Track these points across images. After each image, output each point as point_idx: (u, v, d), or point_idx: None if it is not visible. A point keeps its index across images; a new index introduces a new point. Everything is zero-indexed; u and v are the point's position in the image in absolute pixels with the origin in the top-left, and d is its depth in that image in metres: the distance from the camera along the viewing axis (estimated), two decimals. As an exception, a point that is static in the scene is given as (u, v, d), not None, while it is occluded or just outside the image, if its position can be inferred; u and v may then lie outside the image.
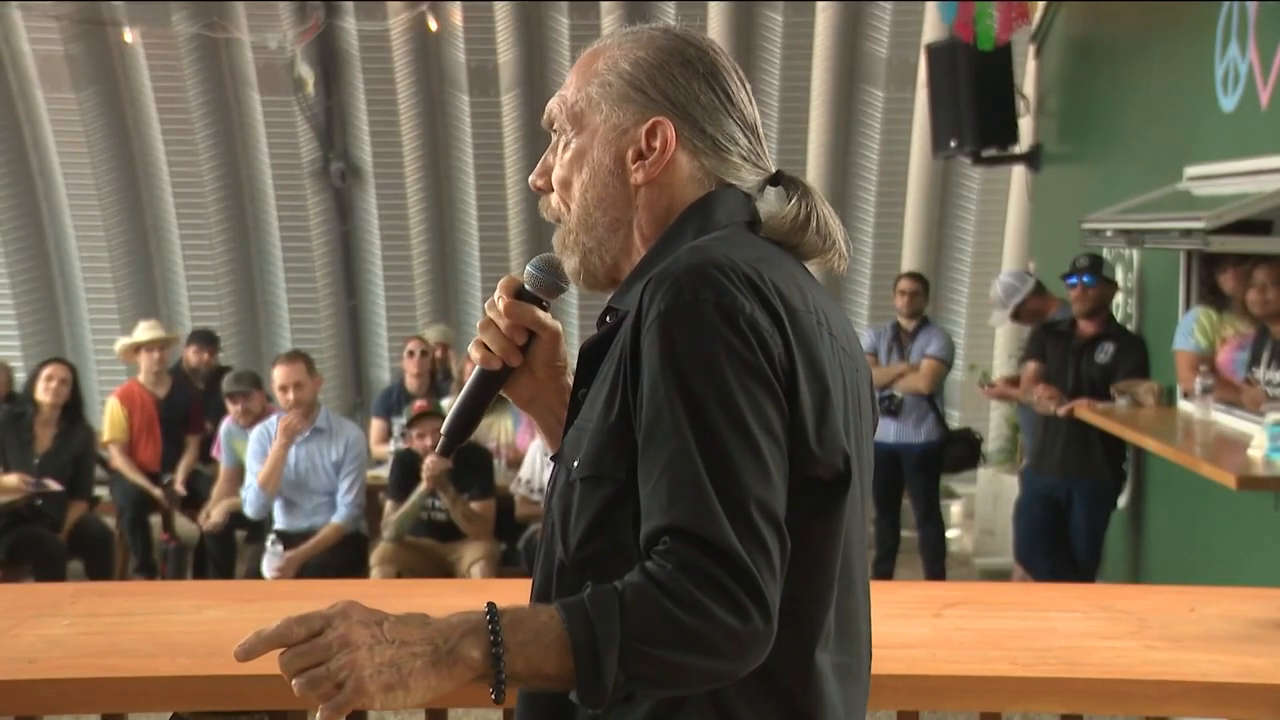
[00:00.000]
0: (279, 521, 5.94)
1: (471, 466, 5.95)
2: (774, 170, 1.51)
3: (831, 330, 1.40)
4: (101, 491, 7.20)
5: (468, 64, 9.72)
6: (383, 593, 3.55)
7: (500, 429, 7.03)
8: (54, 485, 6.37)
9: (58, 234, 10.36)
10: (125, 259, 10.40)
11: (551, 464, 1.63)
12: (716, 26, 9.71)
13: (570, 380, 1.56)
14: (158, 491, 7.18)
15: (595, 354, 1.44)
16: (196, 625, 2.86)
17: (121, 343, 7.90)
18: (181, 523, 7.36)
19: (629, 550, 1.30)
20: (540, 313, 1.55)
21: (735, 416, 1.26)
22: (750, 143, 1.48)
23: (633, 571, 1.25)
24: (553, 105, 1.51)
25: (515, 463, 6.55)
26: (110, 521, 7.08)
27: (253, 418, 6.56)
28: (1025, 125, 8.38)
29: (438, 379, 7.73)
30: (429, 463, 5.72)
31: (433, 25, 9.45)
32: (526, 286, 1.54)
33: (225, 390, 6.78)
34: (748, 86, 1.50)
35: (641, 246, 1.47)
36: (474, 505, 5.87)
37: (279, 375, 5.92)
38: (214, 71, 9.87)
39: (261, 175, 10.22)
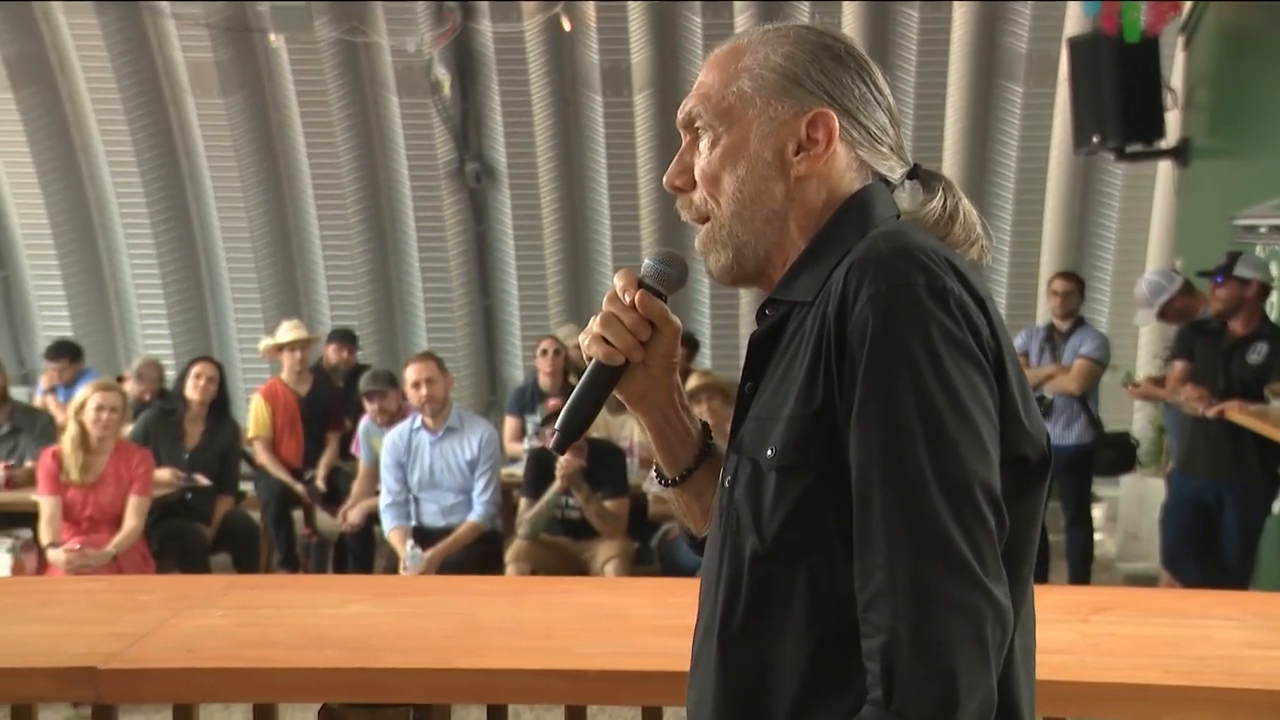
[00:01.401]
0: (416, 520, 6.04)
1: (605, 465, 5.97)
2: (912, 163, 1.50)
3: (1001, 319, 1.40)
4: (246, 487, 7.40)
5: (601, 64, 9.77)
6: (521, 589, 3.58)
7: (633, 429, 7.04)
8: (203, 480, 6.56)
9: (205, 236, 10.69)
10: (269, 260, 10.68)
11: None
12: (851, 23, 9.60)
13: (675, 376, 1.56)
14: (300, 487, 7.34)
15: (764, 346, 1.43)
16: (343, 619, 2.91)
17: (265, 343, 8.12)
18: (322, 518, 7.52)
19: (828, 538, 1.30)
20: (665, 308, 1.53)
21: (953, 396, 1.25)
22: (896, 135, 1.48)
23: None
24: (692, 103, 1.49)
25: (648, 462, 6.55)
26: (255, 516, 7.27)
27: (389, 416, 6.68)
28: (1172, 119, 8.13)
29: (570, 377, 7.78)
30: (563, 461, 5.76)
31: (566, 25, 9.51)
32: (647, 281, 1.51)
33: (362, 389, 6.91)
34: (886, 82, 1.50)
35: (797, 239, 1.45)
36: (608, 504, 5.89)
37: (411, 373, 6.06)
38: (354, 75, 10.08)
39: (399, 177, 10.41)
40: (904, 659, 1.22)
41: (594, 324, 1.50)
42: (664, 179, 1.53)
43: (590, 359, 1.52)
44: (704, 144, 1.47)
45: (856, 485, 1.28)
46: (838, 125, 1.43)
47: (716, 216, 1.47)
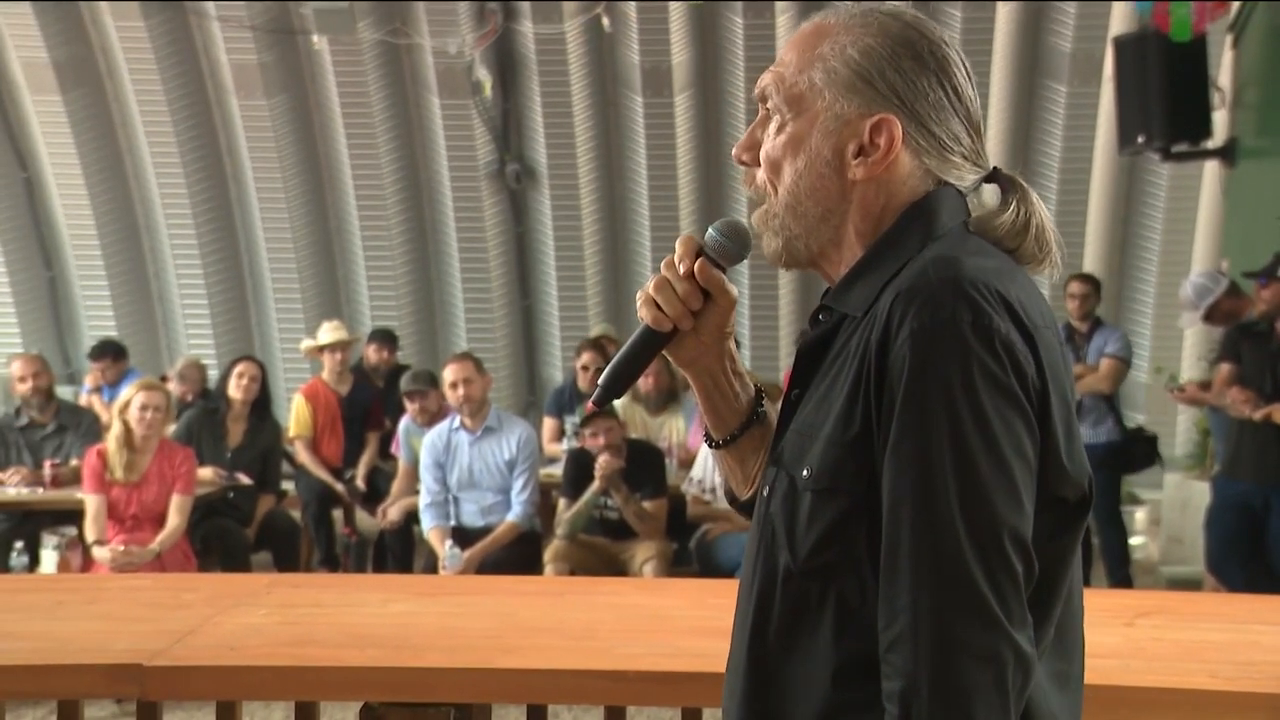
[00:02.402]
0: (455, 519, 6.06)
1: (644, 466, 5.97)
2: (991, 167, 1.46)
3: (1061, 340, 1.36)
4: (287, 486, 7.44)
5: (641, 65, 9.78)
6: (562, 590, 3.58)
7: (672, 429, 7.04)
8: (245, 479, 6.61)
9: (248, 236, 10.77)
10: (310, 260, 10.76)
11: (710, 448, 1.64)
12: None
13: (730, 345, 1.55)
14: (340, 487, 7.38)
15: (813, 355, 1.42)
16: (384, 618, 2.92)
17: (306, 344, 8.17)
18: (361, 517, 7.55)
19: (860, 562, 1.29)
20: (724, 278, 1.51)
21: (990, 440, 1.23)
22: (972, 141, 1.43)
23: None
24: (768, 80, 1.45)
25: (687, 463, 6.55)
26: (296, 515, 7.31)
27: (429, 416, 6.70)
28: (1219, 119, 8.04)
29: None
30: (602, 462, 5.76)
31: (607, 27, 9.52)
32: (707, 251, 1.49)
33: (403, 389, 6.94)
34: (974, 79, 1.45)
35: (855, 240, 1.42)
36: (646, 504, 5.89)
37: (449, 373, 6.08)
38: (396, 76, 10.14)
39: (440, 178, 10.46)
40: (923, 705, 1.22)
41: (649, 286, 1.49)
42: (733, 152, 1.51)
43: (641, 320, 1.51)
44: (772, 126, 1.45)
45: (886, 523, 1.26)
46: (900, 133, 1.38)
47: (772, 203, 1.45)
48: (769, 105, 1.45)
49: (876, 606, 1.27)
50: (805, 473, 1.33)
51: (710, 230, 1.49)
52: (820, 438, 1.33)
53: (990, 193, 1.44)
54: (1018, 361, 1.26)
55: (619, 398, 1.57)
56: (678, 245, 1.49)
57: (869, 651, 1.28)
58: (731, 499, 1.66)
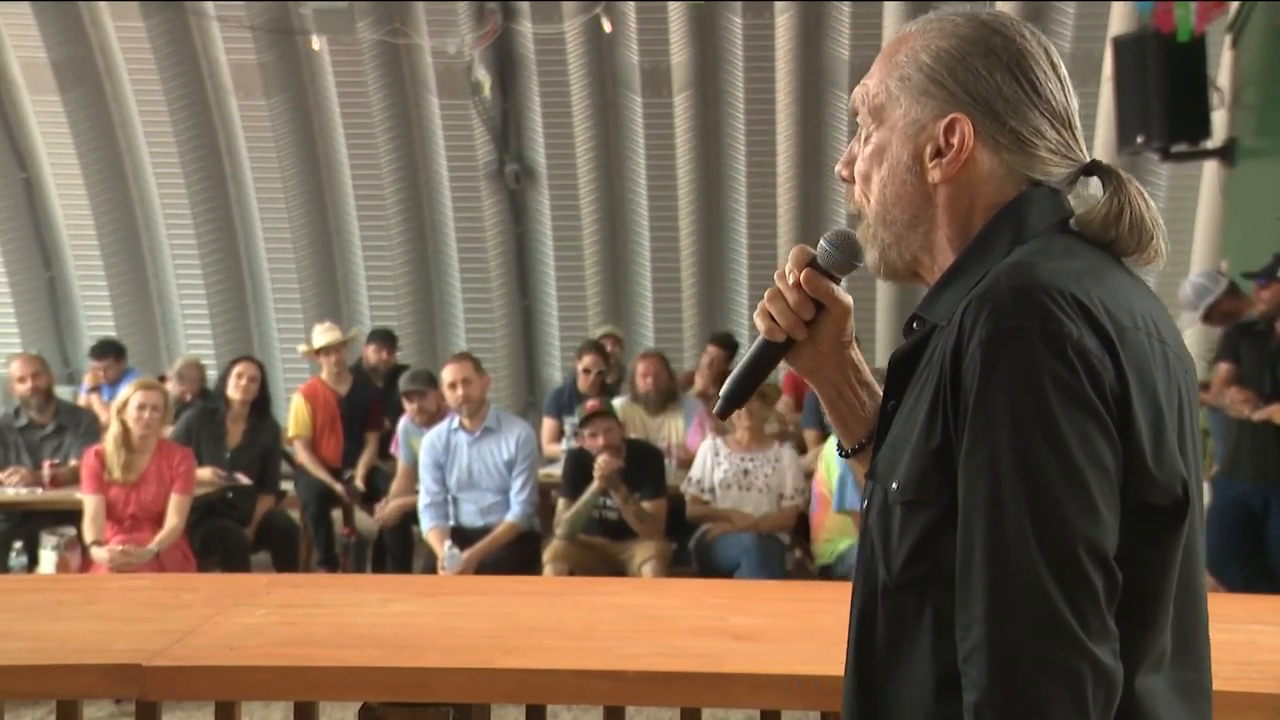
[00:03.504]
0: (454, 520, 6.06)
1: (643, 466, 5.97)
2: (1088, 160, 1.43)
3: (1162, 337, 1.33)
4: (287, 486, 7.44)
5: (641, 65, 9.78)
6: (561, 590, 3.58)
7: (671, 429, 7.04)
8: (244, 479, 6.60)
9: (247, 236, 10.77)
10: (309, 260, 10.76)
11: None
12: (892, 23, 9.56)
13: (856, 354, 1.56)
14: (339, 487, 7.38)
15: (905, 365, 1.41)
16: (384, 618, 2.92)
17: (302, 348, 8.17)
18: (361, 517, 7.55)
19: (951, 574, 1.27)
20: (835, 288, 1.52)
21: (1060, 449, 1.21)
22: (1060, 134, 1.40)
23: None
24: (856, 95, 1.47)
25: (686, 463, 6.55)
26: (295, 515, 7.31)
27: (428, 416, 6.70)
28: (1219, 119, 8.05)
29: (608, 380, 7.78)
30: (601, 462, 5.77)
31: (607, 27, 9.52)
32: (819, 262, 1.51)
33: (401, 389, 6.94)
34: (1061, 72, 1.42)
35: (946, 245, 1.42)
36: (646, 504, 5.89)
37: (448, 373, 6.08)
38: (395, 77, 10.14)
39: (439, 178, 10.46)
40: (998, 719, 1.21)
41: (765, 297, 1.52)
42: (836, 168, 1.52)
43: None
44: (860, 140, 1.47)
45: (960, 535, 1.25)
46: (972, 131, 1.38)
47: (866, 214, 1.46)
48: (859, 120, 1.47)
49: None
50: (894, 485, 1.33)
51: (821, 241, 1.52)
52: (907, 450, 1.33)
53: (1094, 186, 1.42)
54: (1092, 367, 1.23)
55: (740, 408, 1.58)
56: (790, 257, 1.52)
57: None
58: None
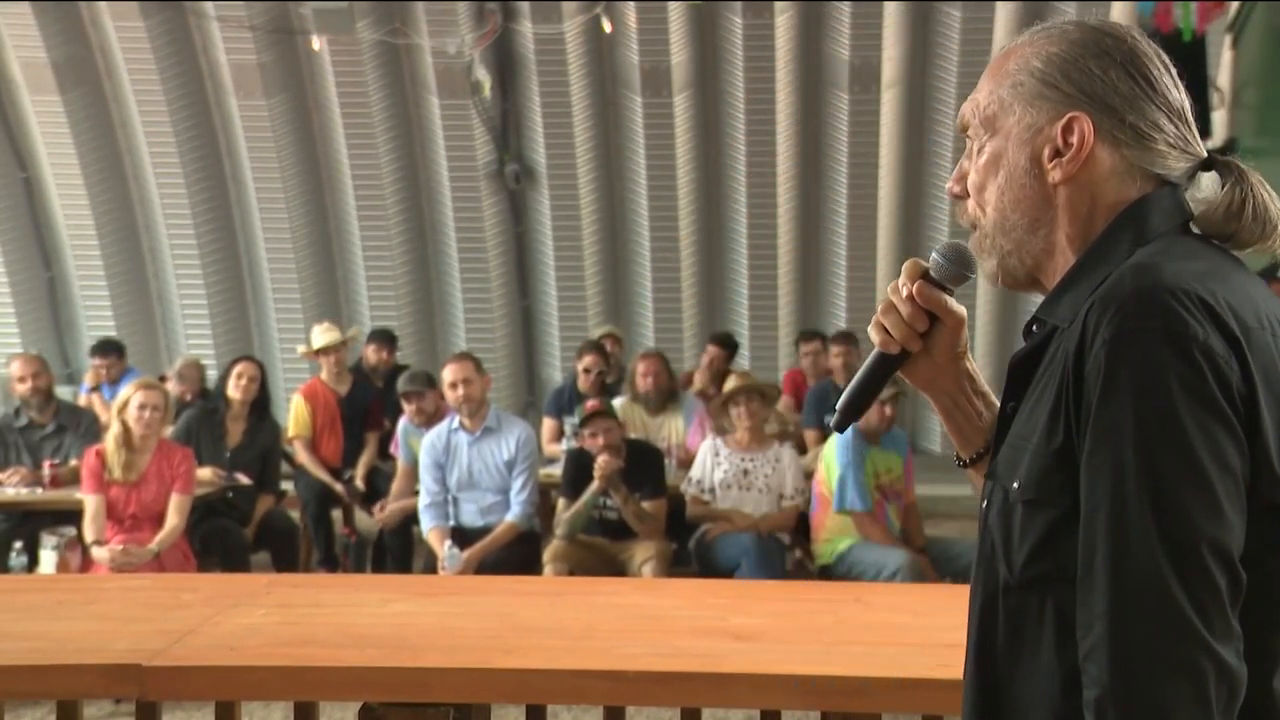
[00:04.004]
0: (454, 520, 6.06)
1: (643, 466, 5.97)
2: (1204, 154, 1.43)
3: None
4: (287, 486, 7.44)
5: (641, 65, 9.78)
6: (560, 590, 3.58)
7: (671, 429, 7.04)
8: (244, 479, 6.60)
9: (247, 236, 10.77)
10: (309, 260, 10.76)
11: (958, 466, 1.65)
12: (892, 23, 9.56)
13: (970, 364, 1.57)
14: (339, 487, 7.37)
15: (1025, 367, 1.41)
16: (383, 618, 2.93)
17: (301, 349, 8.17)
18: (361, 517, 7.55)
19: (1074, 572, 1.28)
20: (948, 299, 1.52)
21: (1185, 450, 1.22)
22: (1177, 129, 1.41)
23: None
24: (965, 110, 1.48)
25: (686, 463, 6.55)
26: (295, 515, 7.30)
27: (427, 417, 6.70)
28: (1218, 119, 8.05)
29: (608, 380, 7.78)
30: (601, 462, 5.76)
31: (607, 27, 9.53)
32: (931, 274, 1.52)
33: (400, 390, 6.93)
34: (1173, 71, 1.43)
35: (1067, 246, 1.42)
36: (646, 505, 5.89)
37: (448, 373, 6.08)
38: (395, 77, 10.14)
39: (439, 178, 10.46)
40: (1120, 718, 1.21)
41: (879, 310, 1.53)
42: (947, 185, 1.53)
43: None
44: (973, 153, 1.47)
45: (1082, 533, 1.26)
46: (1091, 128, 1.38)
47: (982, 225, 1.46)
48: (969, 134, 1.48)
49: None
50: (1016, 484, 1.34)
51: (934, 254, 1.53)
52: (1029, 449, 1.33)
53: (1209, 180, 1.41)
54: (1218, 368, 1.23)
55: (857, 421, 1.60)
56: (903, 270, 1.52)
57: None
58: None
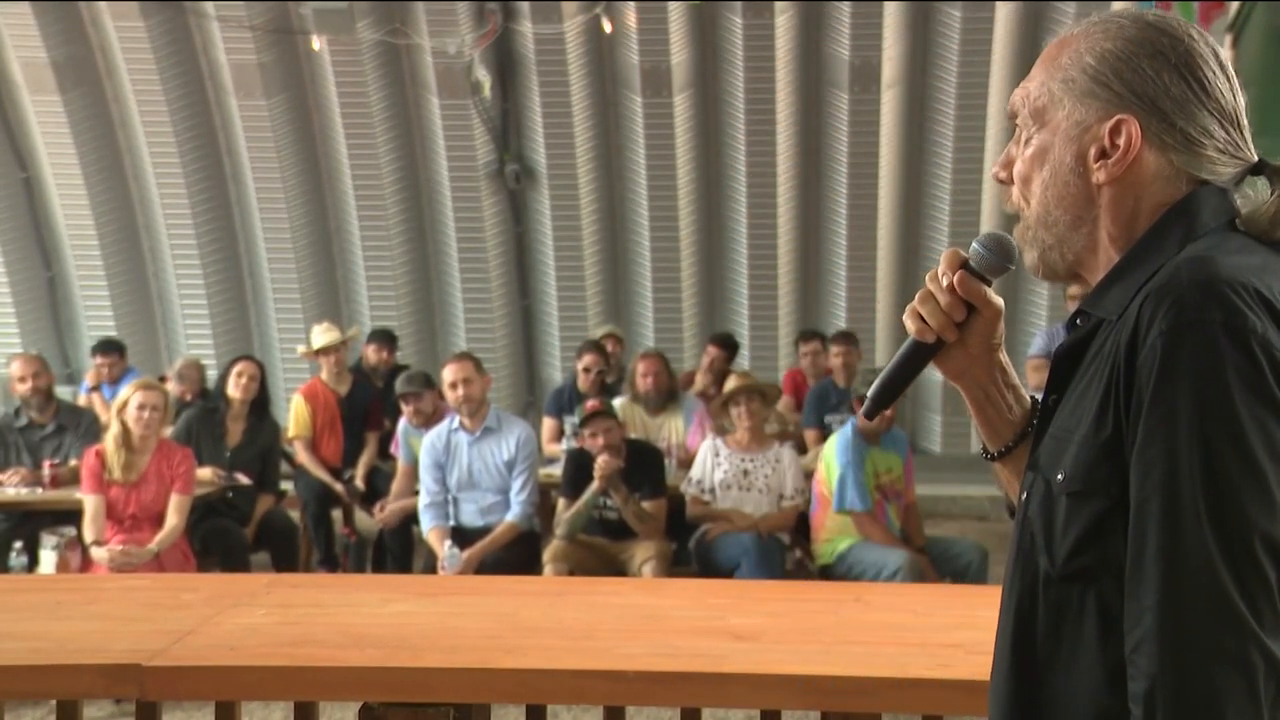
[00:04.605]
0: (454, 520, 6.06)
1: (643, 466, 5.97)
2: (1255, 159, 1.42)
3: None
4: (287, 486, 7.44)
5: (641, 65, 9.78)
6: (561, 590, 3.58)
7: (671, 429, 7.04)
8: (244, 479, 6.60)
9: (247, 236, 10.77)
10: (309, 260, 10.76)
11: (986, 460, 1.62)
12: (892, 23, 9.55)
13: (1004, 356, 1.56)
14: (339, 487, 7.37)
15: (1070, 359, 1.41)
16: (384, 618, 2.93)
17: (301, 349, 8.17)
18: (361, 517, 7.55)
19: (1119, 563, 1.28)
20: (987, 291, 1.51)
21: (1240, 442, 1.21)
22: (1228, 134, 1.40)
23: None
24: (1016, 98, 1.48)
25: (686, 463, 6.55)
26: (295, 515, 7.30)
27: (424, 418, 6.70)
28: (1218, 119, 8.04)
29: (608, 379, 7.78)
30: (601, 462, 5.76)
31: (607, 27, 9.53)
32: (971, 264, 1.50)
33: (398, 391, 6.93)
34: (1229, 71, 1.42)
35: (1109, 245, 1.42)
36: (646, 504, 5.89)
37: (448, 373, 6.08)
38: (395, 77, 10.14)
39: (439, 178, 10.46)
40: (1169, 709, 1.21)
41: (916, 298, 1.52)
42: (992, 170, 1.52)
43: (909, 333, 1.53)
44: (1020, 143, 1.47)
45: (1133, 524, 1.25)
46: (1139, 132, 1.37)
47: (1026, 217, 1.46)
48: (1018, 122, 1.47)
49: None
50: (1060, 476, 1.33)
51: (974, 244, 1.51)
52: (1074, 441, 1.33)
53: (1261, 185, 1.41)
54: (1276, 361, 1.23)
55: (887, 409, 1.59)
56: (942, 259, 1.51)
57: None
58: (1010, 512, 1.65)
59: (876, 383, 1.55)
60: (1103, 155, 1.39)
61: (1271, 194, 1.39)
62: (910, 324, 1.52)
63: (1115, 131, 1.38)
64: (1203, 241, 1.35)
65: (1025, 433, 1.58)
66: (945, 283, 1.50)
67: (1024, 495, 1.41)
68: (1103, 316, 1.37)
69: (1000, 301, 1.53)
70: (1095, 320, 1.39)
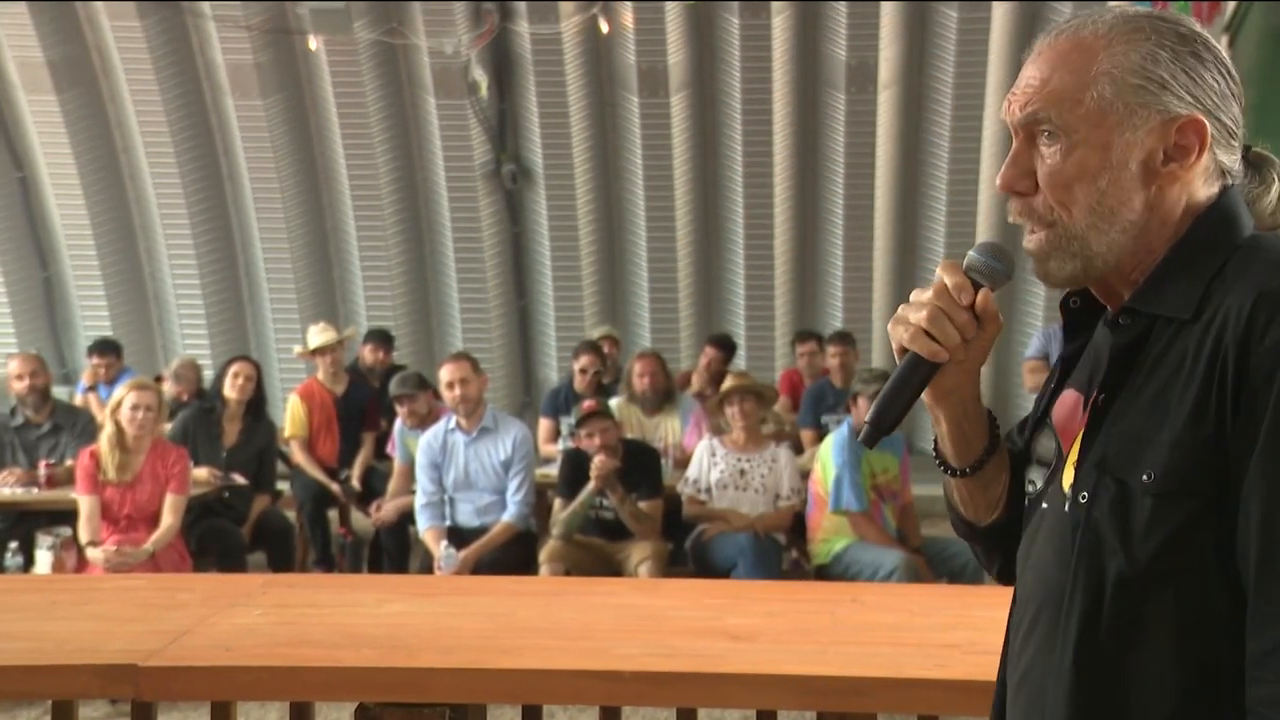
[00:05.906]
0: (451, 520, 6.06)
1: (640, 466, 5.97)
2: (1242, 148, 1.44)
3: None
4: (283, 486, 7.44)
5: (638, 65, 9.78)
6: (557, 590, 3.58)
7: (668, 429, 7.04)
8: (240, 479, 6.60)
9: (244, 237, 10.77)
10: (306, 260, 10.75)
11: (950, 477, 1.58)
12: (889, 23, 9.56)
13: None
14: (335, 487, 7.37)
15: (1125, 357, 1.39)
16: (380, 618, 2.92)
17: (297, 350, 8.17)
18: (357, 517, 7.54)
19: (1205, 565, 1.28)
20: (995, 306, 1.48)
21: None
22: (1242, 125, 1.42)
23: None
24: (1037, 105, 1.41)
25: (683, 463, 6.55)
26: (291, 515, 7.30)
27: (419, 419, 6.70)
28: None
29: (604, 380, 7.78)
30: (598, 462, 5.76)
31: (604, 27, 9.52)
32: (975, 276, 1.45)
33: (392, 393, 6.94)
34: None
35: (1152, 244, 1.40)
36: (642, 505, 5.89)
37: (445, 373, 6.08)
38: (392, 77, 10.13)
39: (435, 178, 10.45)
40: None
41: (910, 315, 1.44)
42: (1000, 181, 1.44)
43: (904, 351, 1.46)
44: (1052, 149, 1.40)
45: (1259, 531, 1.24)
46: (1209, 131, 1.37)
47: (1065, 226, 1.40)
48: (1046, 128, 1.41)
49: (1221, 612, 1.26)
50: (1145, 477, 1.31)
51: (976, 255, 1.46)
52: (1161, 442, 1.31)
53: (1250, 175, 1.44)
54: None
55: (889, 434, 1.50)
56: (946, 275, 1.44)
57: (1214, 657, 1.27)
58: (968, 529, 1.63)
59: (875, 407, 1.48)
60: (1168, 158, 1.37)
61: (1258, 181, 1.42)
62: (919, 344, 1.44)
63: (1182, 133, 1.37)
64: (1265, 237, 1.36)
65: (994, 445, 1.54)
66: (965, 301, 1.44)
67: (1083, 496, 1.37)
68: (1167, 315, 1.35)
69: (1001, 316, 1.50)
70: (1146, 319, 1.37)
